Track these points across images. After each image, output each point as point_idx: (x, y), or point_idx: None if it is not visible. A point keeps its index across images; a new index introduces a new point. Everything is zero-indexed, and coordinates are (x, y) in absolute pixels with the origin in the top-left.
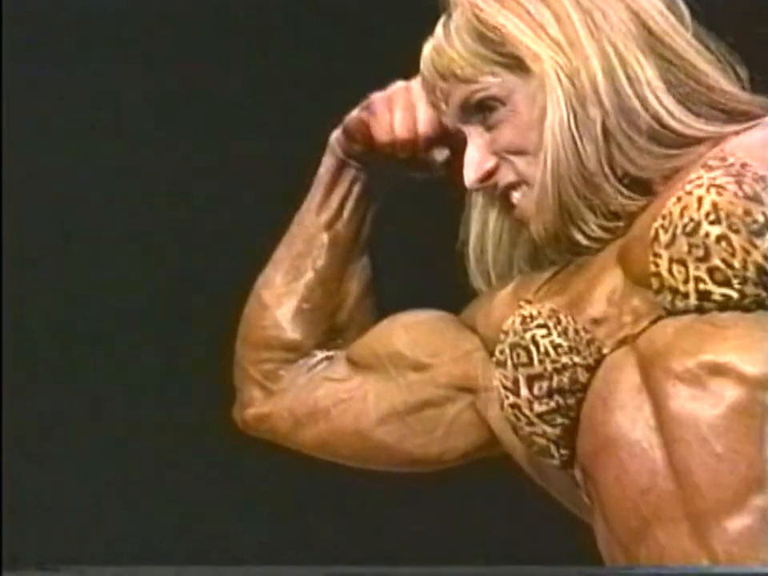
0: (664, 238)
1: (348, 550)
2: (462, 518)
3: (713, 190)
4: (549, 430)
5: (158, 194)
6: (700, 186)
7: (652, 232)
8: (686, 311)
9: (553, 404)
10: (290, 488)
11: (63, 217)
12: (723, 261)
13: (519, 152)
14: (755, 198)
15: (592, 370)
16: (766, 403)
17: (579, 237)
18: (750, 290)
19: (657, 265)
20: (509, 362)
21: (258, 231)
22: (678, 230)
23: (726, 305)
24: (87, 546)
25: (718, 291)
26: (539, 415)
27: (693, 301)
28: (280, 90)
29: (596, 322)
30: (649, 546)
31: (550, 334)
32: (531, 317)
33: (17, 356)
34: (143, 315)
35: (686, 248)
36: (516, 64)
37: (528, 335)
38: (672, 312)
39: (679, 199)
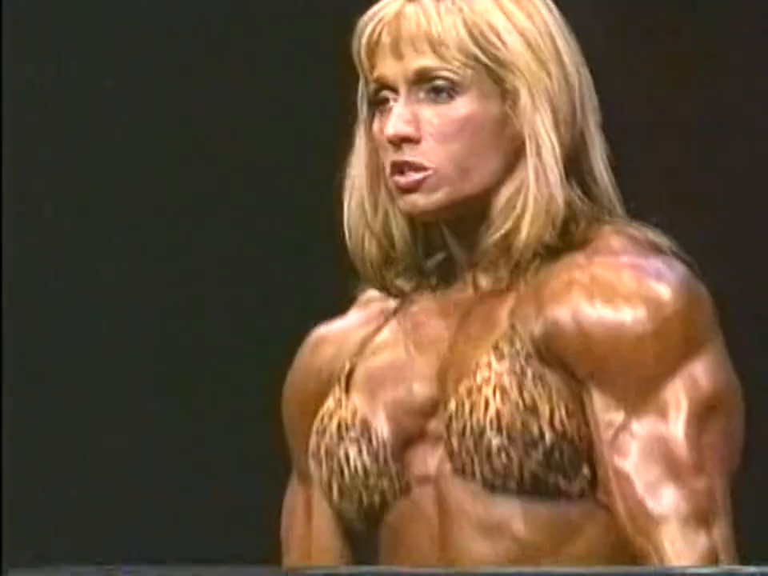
0: (456, 425)
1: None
2: None
3: (498, 393)
4: (352, 517)
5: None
6: (488, 381)
7: (449, 411)
8: (473, 480)
9: (354, 512)
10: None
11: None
12: (504, 466)
13: (443, 141)
14: (532, 409)
15: (396, 494)
16: None
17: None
18: (532, 487)
19: (450, 443)
20: (324, 463)
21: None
22: (468, 427)
23: (507, 492)
24: (86, 546)
25: (498, 483)
26: (347, 511)
27: (478, 481)
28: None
29: (405, 439)
30: None
31: (360, 453)
32: (345, 425)
33: (17, 356)
34: (138, 314)
35: (473, 444)
36: (498, 78)
37: (341, 450)
38: (462, 474)
39: (470, 393)
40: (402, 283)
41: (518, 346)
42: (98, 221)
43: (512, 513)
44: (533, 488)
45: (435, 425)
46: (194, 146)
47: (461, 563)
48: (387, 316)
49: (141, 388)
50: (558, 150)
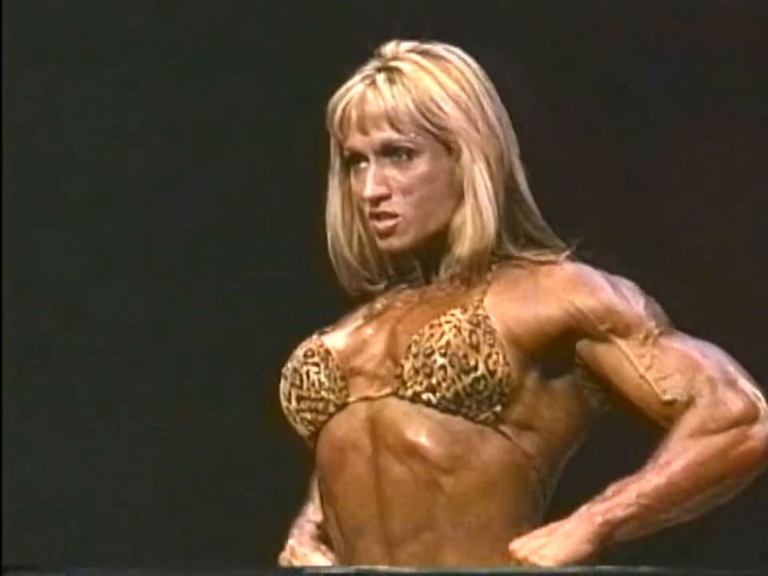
0: (414, 349)
1: None
2: None
3: (453, 330)
4: (300, 428)
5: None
6: (449, 322)
7: (410, 341)
8: (403, 398)
9: (308, 416)
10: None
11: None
12: (437, 382)
13: (407, 193)
14: (476, 347)
15: (338, 407)
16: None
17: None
18: (448, 404)
19: (403, 366)
20: (288, 378)
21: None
22: (421, 351)
23: (428, 404)
24: (86, 547)
25: (425, 396)
26: (299, 420)
27: (409, 394)
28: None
29: (355, 371)
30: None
31: (318, 373)
32: (312, 353)
33: (17, 356)
34: (140, 314)
35: (421, 364)
36: (444, 140)
37: (304, 369)
38: (396, 395)
39: (431, 327)
40: (372, 286)
41: (479, 312)
42: (94, 222)
43: (427, 425)
44: (449, 406)
45: (373, 368)
46: (195, 154)
47: (385, 479)
48: (365, 307)
49: (141, 389)
50: (491, 190)
